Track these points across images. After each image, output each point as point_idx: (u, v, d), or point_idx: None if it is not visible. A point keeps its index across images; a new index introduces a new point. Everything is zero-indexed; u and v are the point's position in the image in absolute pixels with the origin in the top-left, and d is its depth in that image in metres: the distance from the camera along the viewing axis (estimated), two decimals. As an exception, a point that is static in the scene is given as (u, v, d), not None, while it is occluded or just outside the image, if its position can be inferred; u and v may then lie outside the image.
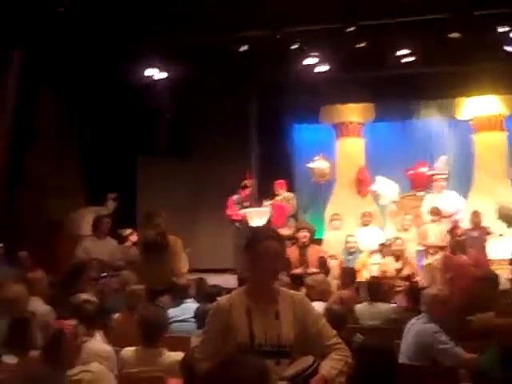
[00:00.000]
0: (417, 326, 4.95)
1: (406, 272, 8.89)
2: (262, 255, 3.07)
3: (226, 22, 9.68)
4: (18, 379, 3.85)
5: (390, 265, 9.01)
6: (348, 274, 8.06)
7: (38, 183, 11.58)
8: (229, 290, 3.95)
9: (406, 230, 10.22)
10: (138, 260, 7.64)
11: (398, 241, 9.27)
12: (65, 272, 7.36)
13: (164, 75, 10.81)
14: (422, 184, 11.57)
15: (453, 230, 9.54)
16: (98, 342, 4.89)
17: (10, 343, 4.74)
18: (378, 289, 6.88)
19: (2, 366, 4.38)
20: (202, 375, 2.29)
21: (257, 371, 2.12)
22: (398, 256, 9.04)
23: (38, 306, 6.10)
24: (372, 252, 9.92)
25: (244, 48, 10.20)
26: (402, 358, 4.84)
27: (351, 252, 9.66)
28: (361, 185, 11.98)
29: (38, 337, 4.90)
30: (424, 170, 11.60)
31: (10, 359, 4.50)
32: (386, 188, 11.56)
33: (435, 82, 11.42)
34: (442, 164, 11.25)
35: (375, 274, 9.18)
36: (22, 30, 9.39)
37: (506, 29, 9.64)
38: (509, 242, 10.06)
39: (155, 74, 10.72)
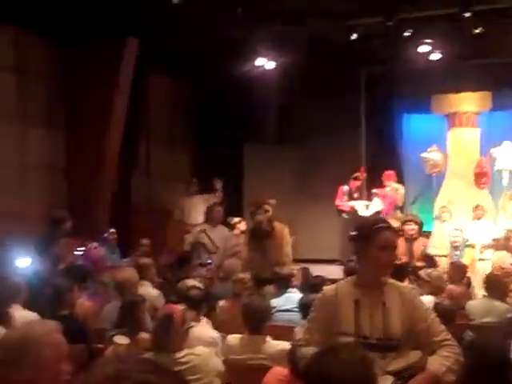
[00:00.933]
0: None
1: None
2: (381, 246, 3.02)
3: (338, 10, 9.57)
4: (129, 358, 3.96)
5: (507, 260, 8.62)
6: (458, 269, 7.77)
7: (150, 170, 11.95)
8: (334, 281, 3.90)
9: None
10: (246, 248, 7.71)
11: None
12: (174, 258, 7.54)
13: (273, 65, 10.84)
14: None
15: None
16: (203, 328, 4.98)
17: (120, 325, 4.90)
18: (495, 285, 6.57)
19: (113, 346, 4.53)
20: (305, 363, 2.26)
21: (359, 361, 2.05)
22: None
23: (148, 290, 6.29)
24: (484, 247, 9.53)
25: (354, 36, 10.03)
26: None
27: (456, 246, 9.31)
28: (480, 178, 11.45)
29: (147, 320, 5.06)
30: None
31: (121, 340, 4.64)
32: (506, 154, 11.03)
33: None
34: None
35: (485, 269, 8.85)
36: (137, 17, 9.67)
37: None
38: None
39: (265, 63, 10.77)
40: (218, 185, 10.72)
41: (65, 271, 6.49)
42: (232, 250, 8.32)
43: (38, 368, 2.41)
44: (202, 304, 5.18)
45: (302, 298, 5.62)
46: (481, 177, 11.08)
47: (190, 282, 5.51)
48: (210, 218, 9.07)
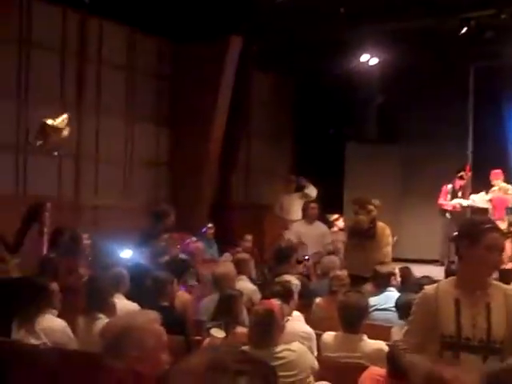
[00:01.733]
0: None
1: None
2: (488, 246, 2.93)
3: (446, 3, 9.30)
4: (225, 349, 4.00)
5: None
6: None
7: (250, 167, 12.07)
8: (435, 281, 3.80)
9: None
10: (345, 245, 7.66)
11: None
12: (272, 254, 7.57)
13: (377, 61, 10.68)
14: None
15: None
16: (299, 323, 4.97)
17: (218, 318, 4.96)
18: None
19: (210, 338, 4.59)
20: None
21: None
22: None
23: (246, 285, 6.35)
24: None
25: (464, 30, 9.71)
26: None
27: None
28: None
29: (244, 314, 5.09)
30: None
31: (218, 333, 4.70)
32: None
33: None
34: None
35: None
36: (241, 15, 9.79)
37: None
38: None
39: (368, 59, 10.63)
40: (304, 182, 10.73)
41: (166, 264, 6.64)
42: (329, 247, 8.29)
43: (140, 357, 2.47)
44: (298, 300, 5.17)
45: (399, 297, 5.51)
46: None
47: (286, 278, 5.52)
48: (306, 215, 9.15)
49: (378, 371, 3.84)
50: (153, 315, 2.71)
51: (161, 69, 10.68)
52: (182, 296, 5.99)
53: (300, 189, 10.92)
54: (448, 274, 7.52)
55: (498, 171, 10.60)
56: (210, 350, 1.45)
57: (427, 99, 11.51)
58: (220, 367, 1.34)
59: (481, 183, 10.68)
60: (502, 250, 3.03)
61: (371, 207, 7.23)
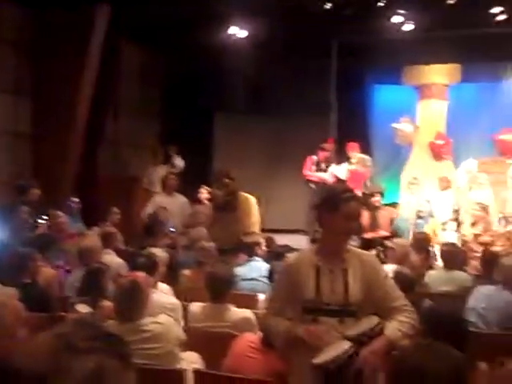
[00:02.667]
0: (505, 297, 4.79)
1: (485, 238, 8.62)
2: (344, 214, 3.05)
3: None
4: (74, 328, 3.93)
5: (468, 230, 8.75)
6: (420, 240, 7.84)
7: (118, 140, 11.82)
8: (295, 249, 3.92)
9: (479, 188, 9.79)
10: (209, 218, 7.68)
11: (477, 206, 8.97)
12: (138, 227, 7.50)
13: (245, 34, 10.73)
14: (509, 150, 11.04)
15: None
16: (164, 295, 4.97)
17: (84, 293, 4.87)
18: (453, 256, 6.64)
19: (75, 313, 4.50)
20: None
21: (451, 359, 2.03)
22: (477, 221, 8.76)
23: (112, 258, 6.26)
24: (447, 218, 9.64)
25: (328, 6, 9.95)
26: (480, 325, 4.69)
27: (421, 216, 9.38)
28: (437, 149, 11.41)
29: (110, 288, 5.03)
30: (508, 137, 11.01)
31: (83, 308, 4.62)
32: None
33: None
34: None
35: (449, 239, 8.97)
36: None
37: None
38: None
39: (237, 32, 10.66)
40: (173, 152, 10.64)
41: (28, 239, 6.41)
42: (194, 218, 8.28)
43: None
44: (160, 270, 5.17)
45: (270, 267, 5.63)
46: (438, 149, 11.01)
47: (152, 250, 5.49)
48: (165, 187, 9.06)
49: (251, 338, 3.94)
50: (11, 291, 2.63)
51: (22, 37, 10.15)
52: (46, 272, 5.81)
53: (168, 160, 10.83)
54: (312, 242, 7.75)
55: (354, 143, 11.01)
56: (59, 327, 1.32)
57: (293, 72, 11.73)
58: (67, 346, 1.23)
59: (344, 155, 11.07)
60: (357, 218, 3.16)
61: (227, 180, 7.21)
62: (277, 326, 3.14)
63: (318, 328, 2.97)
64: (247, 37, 10.80)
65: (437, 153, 10.96)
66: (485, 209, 9.06)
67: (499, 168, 10.87)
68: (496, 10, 9.77)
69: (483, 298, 4.84)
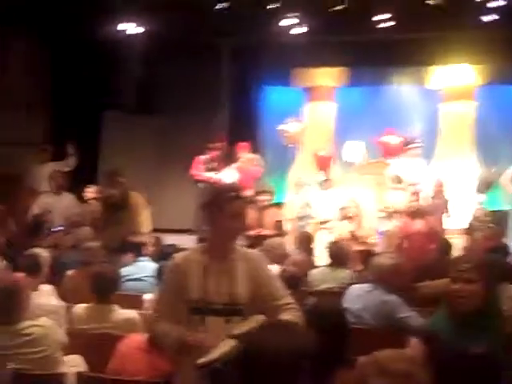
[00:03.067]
0: (378, 297, 4.87)
1: (359, 234, 8.94)
2: (230, 214, 3.07)
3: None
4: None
5: (345, 228, 9.04)
6: (303, 239, 8.04)
7: (1, 136, 11.35)
8: (181, 249, 3.90)
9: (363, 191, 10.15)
10: (98, 217, 7.54)
11: (352, 203, 9.28)
12: (21, 227, 7.25)
13: (136, 30, 10.56)
14: (390, 152, 11.45)
15: (414, 198, 9.48)
16: (47, 296, 4.82)
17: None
18: (336, 253, 6.85)
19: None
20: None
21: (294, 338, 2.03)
22: (352, 218, 9.09)
23: (-7, 260, 5.99)
24: (328, 217, 9.93)
25: (221, 5, 9.97)
26: (358, 322, 4.80)
27: (303, 217, 9.56)
28: (320, 162, 11.53)
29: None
30: (393, 138, 11.44)
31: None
32: (354, 154, 11.41)
33: (409, 48, 11.34)
34: (416, 132, 11.11)
35: (330, 238, 9.25)
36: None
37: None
38: (466, 212, 10.14)
39: (127, 28, 10.47)
40: (71, 150, 10.33)
41: None
42: (81, 217, 8.11)
43: None
44: (43, 271, 5.02)
45: (159, 267, 5.57)
46: (323, 160, 11.20)
47: (35, 251, 5.31)
48: (52, 186, 8.79)
49: (138, 339, 3.89)
50: None
51: None
52: None
53: (62, 158, 10.48)
54: (200, 242, 7.74)
55: (244, 144, 11.09)
56: None
57: (184, 71, 11.67)
58: None
59: (234, 155, 11.13)
60: (241, 216, 3.15)
61: (120, 179, 7.15)
62: (166, 334, 3.11)
63: (206, 337, 2.95)
64: (138, 34, 10.64)
65: (319, 165, 11.11)
66: (357, 207, 9.37)
67: (381, 169, 11.28)
68: (380, 17, 10.12)
69: (356, 299, 4.92)
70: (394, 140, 11.32)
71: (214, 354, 2.88)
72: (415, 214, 8.69)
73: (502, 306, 3.23)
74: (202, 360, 2.84)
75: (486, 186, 9.86)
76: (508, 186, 10.53)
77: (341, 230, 9.04)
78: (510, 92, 12.66)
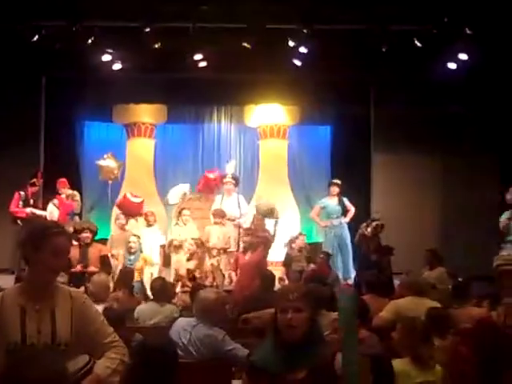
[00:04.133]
0: (202, 331, 4.93)
1: (197, 273, 9.10)
2: (53, 251, 2.97)
3: (22, 8, 9.21)
4: None
5: (182, 263, 9.17)
6: (126, 274, 8.03)
7: None
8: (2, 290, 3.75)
9: (184, 224, 10.29)
10: None
11: (189, 240, 9.43)
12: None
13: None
14: (210, 190, 11.70)
15: (241, 231, 9.78)
16: None
17: None
18: (161, 288, 6.89)
19: None
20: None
21: (52, 370, 2.01)
22: (191, 256, 9.23)
23: None
24: (154, 252, 10.00)
25: (35, 38, 9.74)
26: (185, 356, 4.85)
27: (132, 252, 9.55)
28: (129, 208, 11.44)
29: None
30: (211, 175, 11.71)
31: None
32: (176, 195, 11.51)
33: (227, 88, 11.77)
34: (231, 168, 11.46)
35: (153, 274, 9.32)
36: None
37: (296, 43, 10.16)
38: (282, 245, 10.68)
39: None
40: None
41: None
42: None
43: None
44: None
45: None
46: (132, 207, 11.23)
47: None
48: None
49: None
50: None
51: None
52: None
53: None
54: (19, 281, 7.43)
55: (64, 180, 10.85)
56: None
57: (4, 103, 11.20)
58: None
59: (52, 190, 10.81)
60: (66, 253, 3.07)
61: None
62: None
63: None
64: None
65: (128, 211, 11.09)
66: (198, 244, 9.53)
67: (203, 203, 11.52)
68: (198, 56, 10.42)
69: (182, 332, 4.98)
70: (210, 179, 11.59)
71: (72, 366, 2.83)
72: (249, 247, 8.94)
73: (324, 332, 3.42)
74: None
75: (266, 213, 10.36)
76: (316, 219, 11.27)
77: (178, 265, 9.12)
78: (318, 132, 13.61)
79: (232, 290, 8.46)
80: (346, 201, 11.13)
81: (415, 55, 10.35)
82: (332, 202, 11.14)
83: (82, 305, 3.10)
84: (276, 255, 10.50)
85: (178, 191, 11.46)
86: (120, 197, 11.33)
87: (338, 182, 11.25)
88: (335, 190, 11.16)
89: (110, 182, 11.65)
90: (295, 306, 3.05)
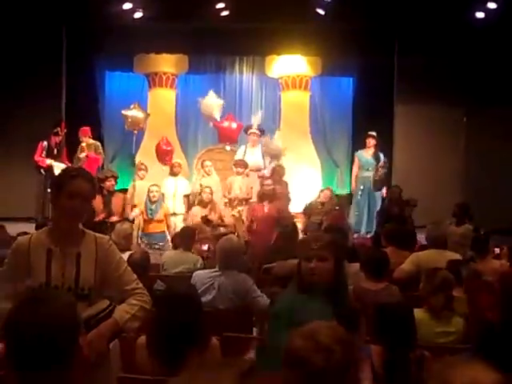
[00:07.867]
0: (231, 277, 4.98)
1: (212, 217, 9.11)
2: (73, 193, 2.96)
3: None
4: None
5: (198, 213, 9.16)
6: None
7: None
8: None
9: (208, 175, 10.27)
10: None
11: (206, 189, 9.43)
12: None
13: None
14: (228, 138, 11.62)
15: (261, 182, 9.71)
16: None
17: None
18: (187, 237, 6.93)
19: None
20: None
21: (66, 306, 2.03)
22: (206, 204, 9.24)
23: None
24: (178, 201, 10.02)
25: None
26: (215, 305, 4.92)
27: (153, 201, 9.51)
28: (162, 155, 11.44)
29: None
30: (231, 124, 11.64)
31: None
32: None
33: (249, 38, 11.63)
34: (257, 119, 11.32)
35: (177, 223, 9.35)
36: None
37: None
38: (302, 197, 10.67)
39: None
40: None
41: None
42: None
43: None
44: None
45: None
46: (165, 155, 11.21)
47: None
48: None
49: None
50: None
51: None
52: None
53: None
54: (39, 228, 7.49)
55: (86, 128, 10.86)
56: None
57: (22, 55, 11.18)
58: None
59: (74, 139, 10.85)
60: (83, 197, 3.01)
61: None
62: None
63: None
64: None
65: (161, 158, 11.06)
66: (211, 193, 9.54)
67: (223, 155, 11.51)
68: (221, 5, 10.28)
69: (206, 280, 5.02)
70: (231, 125, 11.53)
71: (87, 313, 2.88)
72: (263, 196, 8.88)
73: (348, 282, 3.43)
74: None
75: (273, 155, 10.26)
76: (355, 170, 11.14)
77: (193, 215, 9.13)
78: (340, 83, 13.46)
79: (248, 241, 8.34)
80: (381, 156, 10.86)
81: (442, 4, 10.13)
82: (366, 155, 10.93)
83: (107, 250, 3.12)
84: (296, 206, 10.49)
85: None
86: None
87: (374, 133, 10.95)
88: (371, 141, 10.89)
89: (135, 132, 11.61)
90: (319, 254, 3.06)
